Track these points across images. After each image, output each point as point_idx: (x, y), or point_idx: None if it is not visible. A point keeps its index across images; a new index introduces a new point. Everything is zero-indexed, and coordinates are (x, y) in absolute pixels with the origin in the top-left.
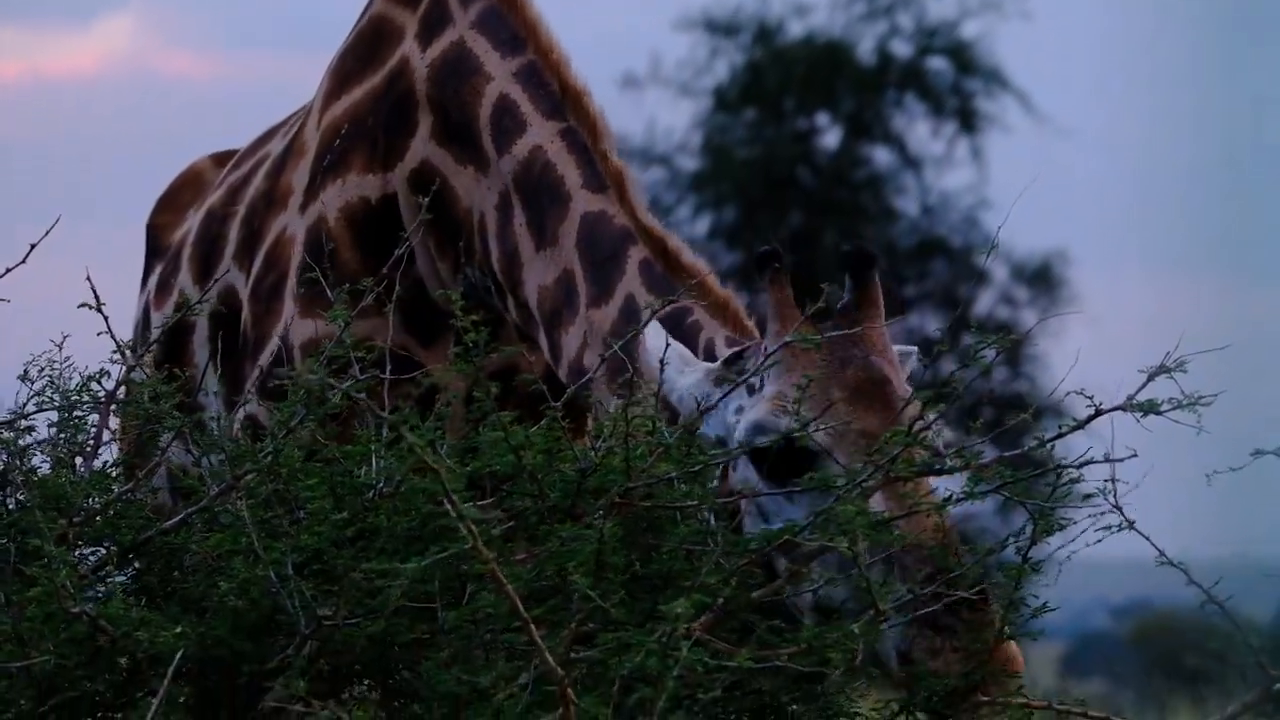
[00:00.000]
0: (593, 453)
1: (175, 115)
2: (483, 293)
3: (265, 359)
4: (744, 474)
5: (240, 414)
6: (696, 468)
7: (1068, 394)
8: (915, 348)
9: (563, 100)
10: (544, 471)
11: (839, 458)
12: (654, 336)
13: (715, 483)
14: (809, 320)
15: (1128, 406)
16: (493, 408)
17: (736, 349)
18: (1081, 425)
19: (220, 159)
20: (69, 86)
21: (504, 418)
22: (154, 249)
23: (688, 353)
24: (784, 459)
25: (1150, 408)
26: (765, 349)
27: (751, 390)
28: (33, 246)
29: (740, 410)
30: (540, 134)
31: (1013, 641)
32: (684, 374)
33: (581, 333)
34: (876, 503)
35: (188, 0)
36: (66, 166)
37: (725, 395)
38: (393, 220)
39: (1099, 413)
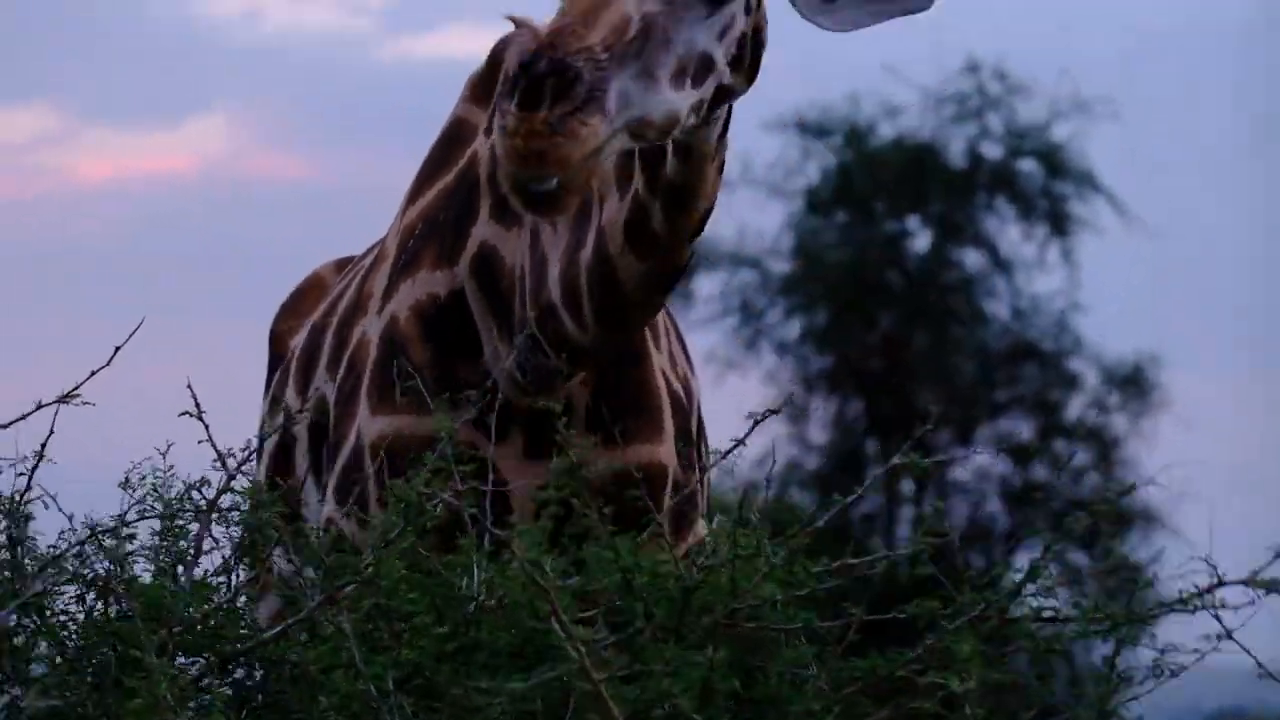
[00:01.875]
0: (697, 571)
1: (268, 215)
2: (537, 359)
3: (341, 461)
4: None
5: (321, 517)
6: (803, 591)
7: (1185, 564)
8: None
9: None
10: (650, 590)
11: None
12: None
13: None
14: None
15: (1250, 582)
16: (599, 524)
17: None
18: (1198, 595)
19: (341, 265)
20: (159, 187)
21: (612, 536)
22: (275, 355)
23: None
24: None
25: (1274, 587)
26: None
27: None
28: (117, 349)
29: None
30: None
31: None
32: None
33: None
34: None
35: (279, 100)
36: (157, 268)
37: None
38: (462, 315)
39: (1220, 584)
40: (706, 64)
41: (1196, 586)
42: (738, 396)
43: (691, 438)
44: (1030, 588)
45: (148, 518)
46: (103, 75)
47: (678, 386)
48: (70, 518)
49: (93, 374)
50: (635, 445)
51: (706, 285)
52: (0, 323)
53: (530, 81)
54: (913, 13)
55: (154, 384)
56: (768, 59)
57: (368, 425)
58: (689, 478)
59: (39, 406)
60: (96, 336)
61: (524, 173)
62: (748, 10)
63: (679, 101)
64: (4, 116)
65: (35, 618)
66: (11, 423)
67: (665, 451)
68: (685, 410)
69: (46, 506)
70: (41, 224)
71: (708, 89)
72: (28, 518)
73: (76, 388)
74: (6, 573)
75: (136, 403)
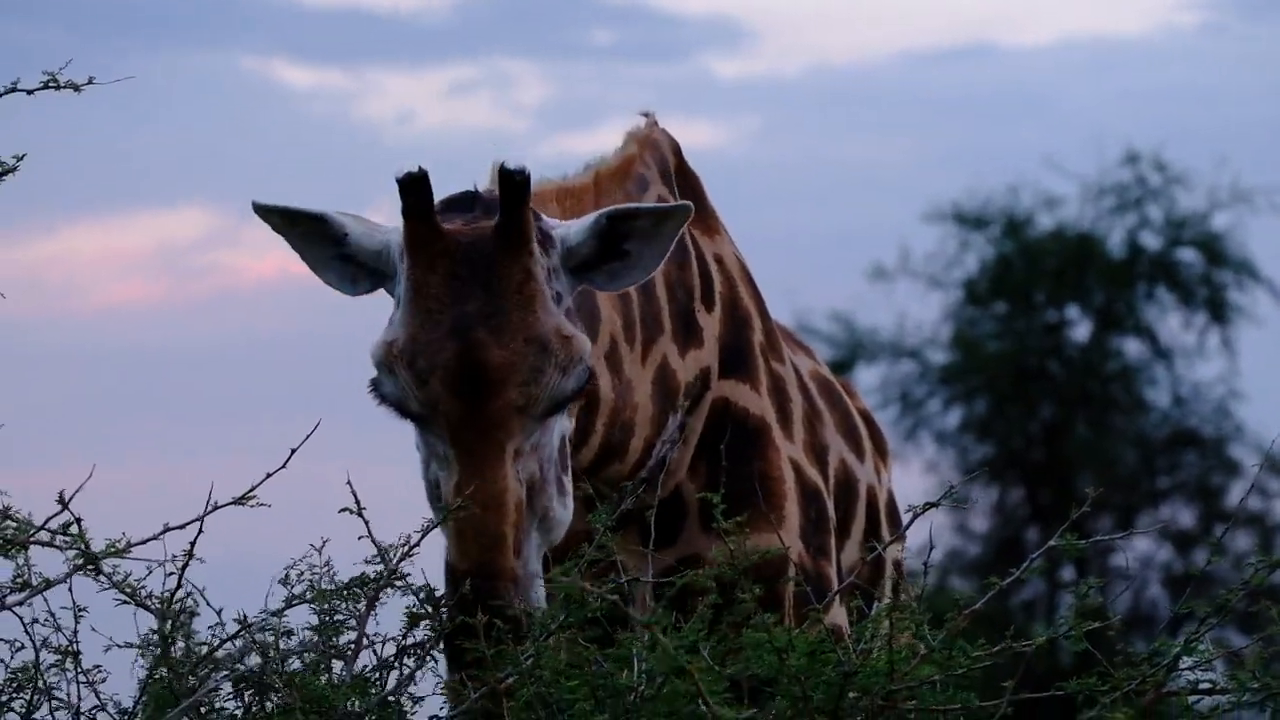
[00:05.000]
0: (854, 654)
1: None
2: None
3: None
4: None
5: None
6: (960, 671)
7: None
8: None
9: None
10: (806, 673)
11: (430, 432)
12: None
13: None
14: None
15: None
16: (755, 609)
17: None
18: None
19: None
20: (322, 284)
21: (767, 619)
22: None
23: None
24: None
25: None
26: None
27: None
28: (293, 451)
29: None
30: None
31: None
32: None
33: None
34: None
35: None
36: (324, 363)
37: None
38: None
39: None
40: (564, 444)
41: None
42: (899, 487)
43: (830, 525)
44: (1186, 661)
45: (297, 603)
46: (259, 176)
47: (813, 474)
48: (219, 612)
49: (268, 476)
50: (752, 535)
51: (866, 376)
52: (171, 420)
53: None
54: (683, 224)
55: (310, 480)
56: (925, 148)
57: None
58: (821, 565)
59: (215, 508)
60: (259, 435)
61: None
62: (591, 378)
63: (569, 509)
64: (165, 218)
65: (192, 716)
66: (187, 524)
67: (784, 540)
68: (821, 499)
69: (196, 604)
70: (211, 323)
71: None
72: (192, 614)
73: (252, 489)
74: (162, 671)
75: (293, 499)
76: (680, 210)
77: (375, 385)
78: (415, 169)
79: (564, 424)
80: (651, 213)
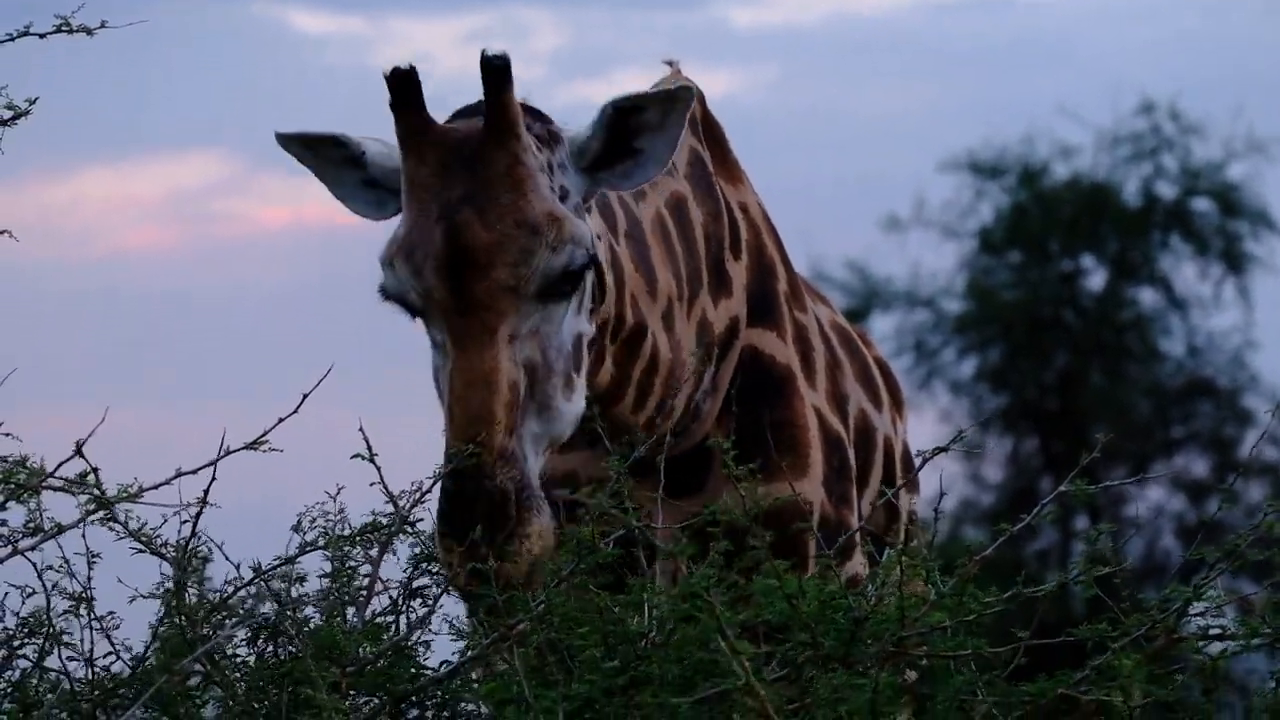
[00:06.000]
0: (865, 600)
1: None
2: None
3: None
4: None
5: None
6: (971, 617)
7: None
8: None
9: None
10: (818, 620)
11: (431, 323)
12: None
13: None
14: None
15: None
16: (767, 555)
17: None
18: None
19: None
20: (333, 231)
21: (779, 566)
22: None
23: None
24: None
25: None
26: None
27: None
28: (305, 396)
29: None
30: None
31: None
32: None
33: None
34: None
35: None
36: (334, 310)
37: None
38: None
39: None
40: (578, 344)
41: None
42: (913, 436)
43: (851, 473)
44: (1197, 607)
45: (310, 550)
46: (271, 123)
47: (835, 423)
48: (238, 566)
49: (281, 421)
50: (774, 482)
51: (880, 325)
52: (184, 365)
53: (461, 518)
54: (689, 107)
55: (323, 426)
56: (942, 98)
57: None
58: (843, 514)
59: (227, 452)
60: (271, 381)
61: (480, 599)
62: (590, 263)
63: (576, 406)
64: (177, 165)
65: (206, 663)
66: (200, 469)
67: (808, 488)
68: (843, 448)
69: (210, 554)
70: (223, 269)
71: (590, 359)
72: (205, 560)
73: (265, 434)
74: (177, 618)
75: (305, 445)
76: (683, 93)
77: (381, 284)
78: (405, 65)
79: (580, 324)
80: (658, 100)
